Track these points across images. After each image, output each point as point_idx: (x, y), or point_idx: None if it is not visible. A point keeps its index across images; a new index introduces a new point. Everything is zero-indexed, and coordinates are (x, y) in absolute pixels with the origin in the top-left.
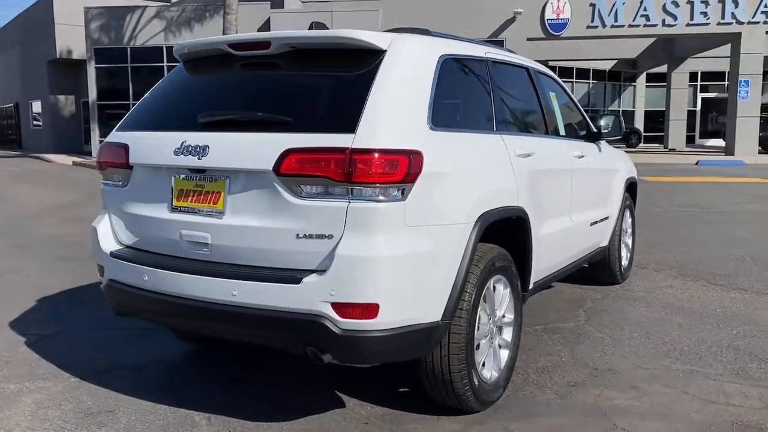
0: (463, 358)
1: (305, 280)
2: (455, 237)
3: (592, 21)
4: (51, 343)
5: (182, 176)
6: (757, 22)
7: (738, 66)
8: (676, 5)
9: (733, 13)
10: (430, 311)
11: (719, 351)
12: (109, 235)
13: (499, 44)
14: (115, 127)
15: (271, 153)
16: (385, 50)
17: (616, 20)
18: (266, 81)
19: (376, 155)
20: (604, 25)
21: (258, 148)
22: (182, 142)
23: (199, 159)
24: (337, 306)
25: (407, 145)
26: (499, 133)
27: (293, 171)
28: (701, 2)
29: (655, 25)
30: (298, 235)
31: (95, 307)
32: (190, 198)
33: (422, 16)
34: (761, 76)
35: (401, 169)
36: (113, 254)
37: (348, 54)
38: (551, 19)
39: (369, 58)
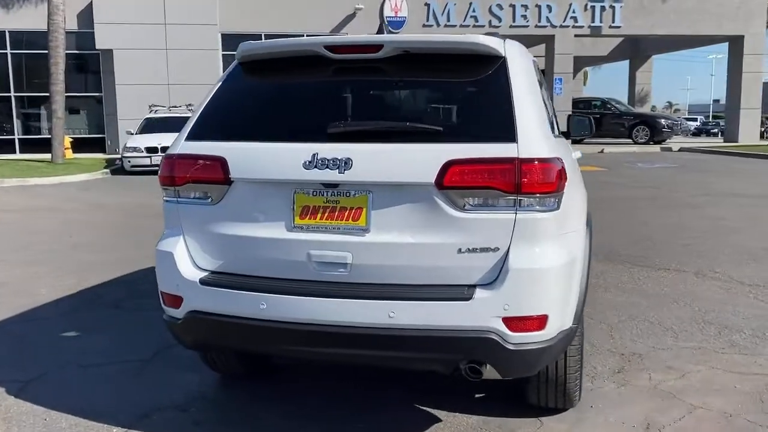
0: (579, 359)
1: (477, 296)
2: (582, 241)
3: (428, 20)
4: (44, 389)
5: (308, 192)
6: (568, 26)
7: (553, 65)
8: (501, 8)
9: (548, 17)
10: (570, 316)
11: (701, 327)
12: (188, 260)
13: None
14: (182, 137)
15: (431, 165)
16: (504, 56)
17: (448, 20)
18: (382, 87)
19: (540, 164)
20: (438, 24)
21: (414, 160)
22: (314, 155)
23: (340, 173)
24: (508, 320)
25: (556, 153)
26: (557, 136)
27: (457, 183)
28: (521, 6)
29: (483, 26)
30: (460, 249)
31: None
32: (319, 215)
33: (261, 8)
34: (572, 74)
35: (557, 178)
36: (204, 281)
37: (467, 59)
38: (390, 17)
39: (491, 64)
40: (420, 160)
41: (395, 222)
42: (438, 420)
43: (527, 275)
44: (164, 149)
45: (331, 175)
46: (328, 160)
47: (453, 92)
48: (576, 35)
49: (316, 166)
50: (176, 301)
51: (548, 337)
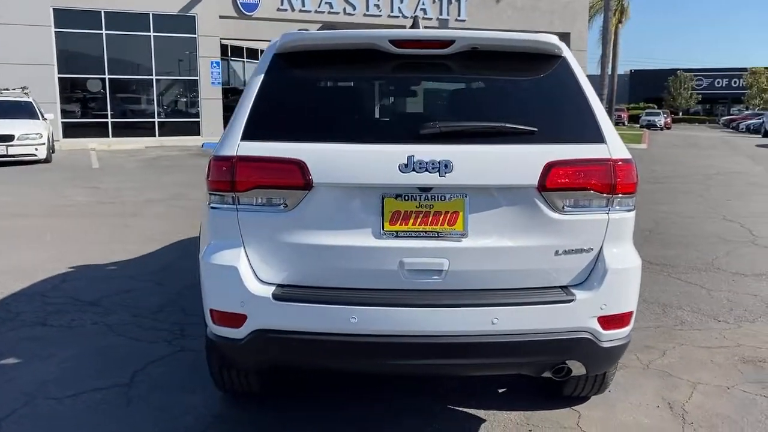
0: None
1: (578, 297)
2: None
3: (282, 4)
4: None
5: (399, 196)
6: (417, 17)
7: None
8: None
9: (399, 8)
10: None
11: (647, 306)
12: (251, 274)
13: (192, 20)
14: (234, 136)
15: (533, 167)
16: (564, 56)
17: (303, 5)
18: (457, 85)
19: (627, 165)
20: (293, 9)
21: (515, 162)
22: (409, 157)
23: (441, 176)
24: (603, 319)
25: (629, 153)
26: None
27: (558, 185)
28: None
29: (337, 13)
30: (557, 251)
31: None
32: (411, 221)
33: None
34: None
35: (635, 178)
36: (278, 297)
37: (532, 58)
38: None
39: (556, 63)
40: (521, 162)
41: (493, 226)
42: (482, 420)
43: (622, 275)
44: (24, 137)
45: (430, 179)
46: (426, 162)
47: (531, 91)
48: (426, 26)
49: (414, 170)
50: (236, 320)
51: (629, 332)
